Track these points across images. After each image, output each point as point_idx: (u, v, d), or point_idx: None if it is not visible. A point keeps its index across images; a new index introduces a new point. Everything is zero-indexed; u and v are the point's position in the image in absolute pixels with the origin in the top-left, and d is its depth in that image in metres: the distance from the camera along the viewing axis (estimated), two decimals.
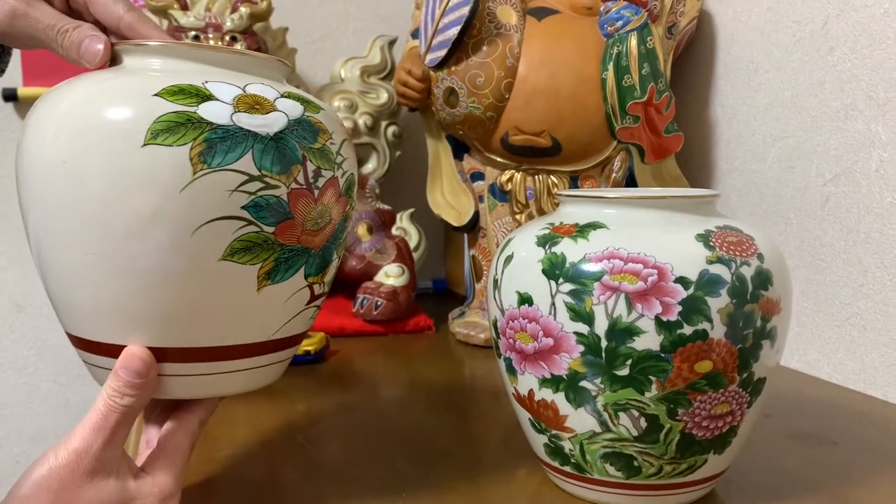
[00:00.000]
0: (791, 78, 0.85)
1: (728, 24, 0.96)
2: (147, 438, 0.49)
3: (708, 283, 0.44)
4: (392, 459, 0.59)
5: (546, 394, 0.48)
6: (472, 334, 0.91)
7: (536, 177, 0.89)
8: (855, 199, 0.77)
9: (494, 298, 0.51)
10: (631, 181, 0.92)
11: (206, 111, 0.41)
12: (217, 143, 0.41)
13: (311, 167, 0.44)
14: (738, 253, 0.46)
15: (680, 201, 0.49)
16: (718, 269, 0.45)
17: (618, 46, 0.85)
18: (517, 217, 0.91)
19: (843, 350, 0.78)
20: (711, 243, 0.46)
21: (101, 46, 0.45)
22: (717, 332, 0.45)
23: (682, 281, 0.44)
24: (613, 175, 0.90)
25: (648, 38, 0.85)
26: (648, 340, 0.44)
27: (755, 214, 0.91)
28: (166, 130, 0.40)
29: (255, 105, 0.43)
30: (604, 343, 0.45)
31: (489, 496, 0.53)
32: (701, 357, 0.45)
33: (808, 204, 0.82)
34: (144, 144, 0.40)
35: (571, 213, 0.51)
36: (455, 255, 1.11)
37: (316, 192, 0.44)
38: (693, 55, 1.01)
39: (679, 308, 0.44)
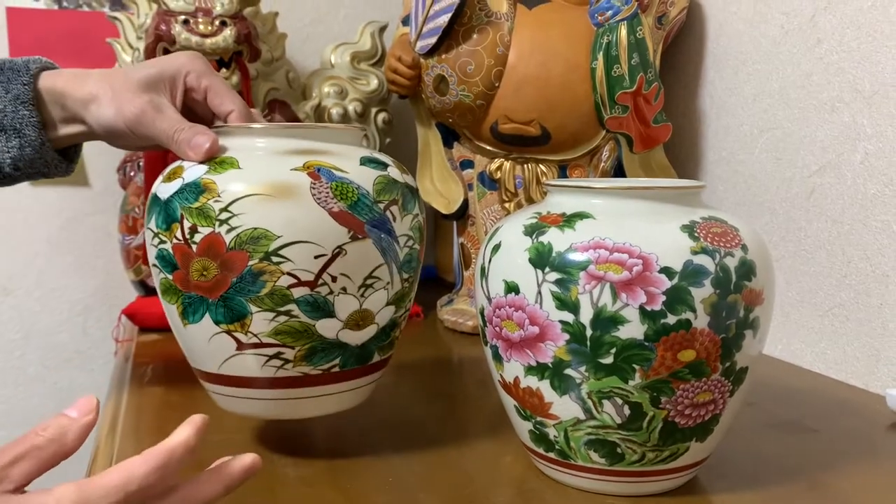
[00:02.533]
0: (779, 69, 0.85)
1: (717, 15, 0.96)
2: None
3: (692, 274, 0.45)
4: (379, 445, 0.59)
5: (531, 381, 0.49)
6: (459, 321, 0.92)
7: (525, 165, 0.90)
8: (840, 190, 0.77)
9: (482, 287, 0.51)
10: (619, 171, 0.93)
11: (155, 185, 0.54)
12: (147, 209, 0.54)
13: (187, 224, 0.50)
14: (722, 244, 0.46)
15: (666, 192, 0.50)
16: (703, 260, 0.45)
17: (608, 36, 0.86)
18: (506, 205, 0.91)
19: (826, 340, 0.79)
20: (696, 234, 0.46)
21: (207, 144, 0.53)
22: (701, 321, 0.45)
23: (666, 271, 0.44)
24: (602, 164, 0.91)
25: (638, 28, 0.86)
26: (633, 329, 0.45)
27: (742, 205, 0.91)
28: None
29: (171, 175, 0.53)
30: (589, 332, 0.45)
31: (474, 482, 0.53)
32: (684, 346, 0.45)
33: (793, 195, 0.83)
34: None
35: (559, 202, 0.51)
36: (444, 243, 1.11)
37: (194, 247, 0.50)
38: (682, 46, 1.02)
39: (663, 298, 0.44)
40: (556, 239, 0.47)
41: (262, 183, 0.50)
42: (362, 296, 0.52)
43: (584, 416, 0.48)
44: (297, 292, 0.50)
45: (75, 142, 0.62)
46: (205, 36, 0.88)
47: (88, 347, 1.16)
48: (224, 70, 0.90)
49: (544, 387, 0.48)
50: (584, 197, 0.50)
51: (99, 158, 1.11)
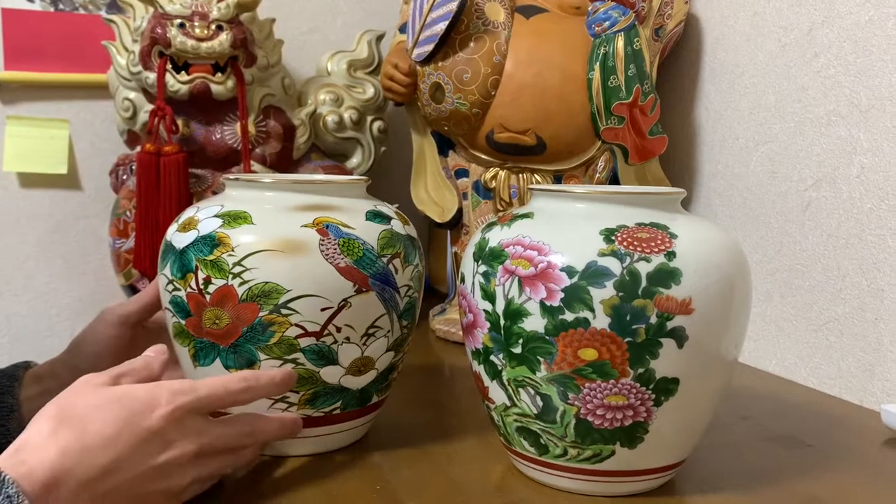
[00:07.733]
0: (775, 83, 0.95)
1: (714, 28, 1.05)
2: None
3: (593, 275, 0.51)
4: (368, 452, 0.66)
5: (476, 366, 0.59)
6: (452, 331, 1.02)
7: (520, 175, 1.01)
8: (835, 204, 0.86)
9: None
10: (615, 182, 1.02)
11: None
12: (161, 255, 0.64)
13: (202, 275, 0.60)
14: (639, 249, 0.52)
15: (638, 197, 0.57)
16: (608, 262, 0.52)
17: (605, 47, 0.96)
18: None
19: (820, 354, 0.88)
20: (613, 238, 0.53)
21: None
22: (600, 322, 0.52)
23: (567, 269, 0.52)
24: (597, 175, 1.01)
25: (635, 40, 0.96)
26: (535, 322, 0.53)
27: (736, 218, 1.01)
28: None
29: (186, 225, 0.63)
30: (502, 321, 0.54)
31: (464, 491, 0.60)
32: (584, 344, 0.52)
33: (789, 208, 0.93)
34: None
35: (539, 206, 0.60)
36: (438, 252, 1.20)
37: (207, 297, 0.60)
38: (679, 58, 1.11)
39: (561, 295, 0.52)
40: (494, 235, 0.57)
41: (274, 239, 0.59)
42: (364, 344, 0.62)
43: (509, 403, 0.57)
44: (304, 342, 0.60)
45: None
46: (200, 40, 0.99)
47: None
48: (219, 74, 1.00)
49: (482, 371, 0.58)
50: (565, 201, 0.58)
51: (91, 162, 1.21)
